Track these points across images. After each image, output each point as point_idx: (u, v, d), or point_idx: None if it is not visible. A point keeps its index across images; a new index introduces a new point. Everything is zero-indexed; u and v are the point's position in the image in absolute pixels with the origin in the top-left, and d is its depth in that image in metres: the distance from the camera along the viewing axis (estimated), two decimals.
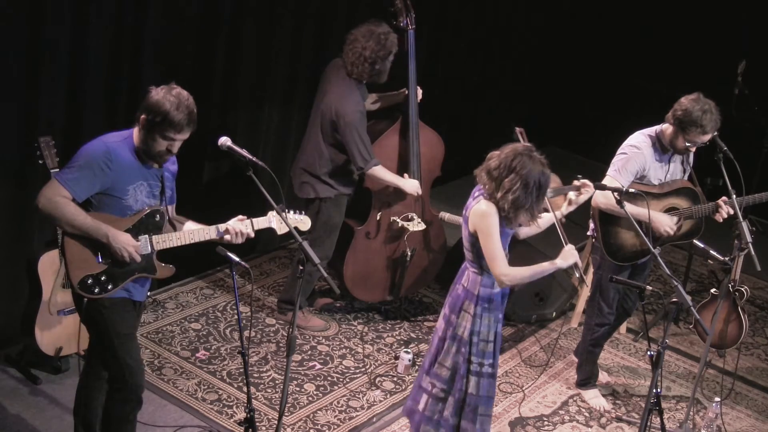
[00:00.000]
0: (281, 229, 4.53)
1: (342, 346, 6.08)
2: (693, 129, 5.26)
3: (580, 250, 6.73)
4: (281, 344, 5.98)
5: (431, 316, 6.52)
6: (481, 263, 4.53)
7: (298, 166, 5.96)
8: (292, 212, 4.63)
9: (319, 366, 5.84)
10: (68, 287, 5.12)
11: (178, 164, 4.44)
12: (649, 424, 4.64)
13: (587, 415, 5.79)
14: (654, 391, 4.51)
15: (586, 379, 5.93)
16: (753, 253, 5.46)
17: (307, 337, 6.09)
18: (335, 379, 5.75)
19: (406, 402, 4.96)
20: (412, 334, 6.31)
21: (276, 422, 5.16)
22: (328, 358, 5.93)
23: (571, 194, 4.87)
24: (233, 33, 6.19)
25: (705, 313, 6.15)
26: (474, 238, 4.49)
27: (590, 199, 5.15)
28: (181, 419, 5.20)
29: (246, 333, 5.79)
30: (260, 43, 6.37)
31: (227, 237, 4.39)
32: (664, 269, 4.69)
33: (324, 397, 5.58)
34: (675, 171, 5.52)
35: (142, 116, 4.12)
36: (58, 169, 4.91)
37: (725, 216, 5.49)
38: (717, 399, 5.72)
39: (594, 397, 5.89)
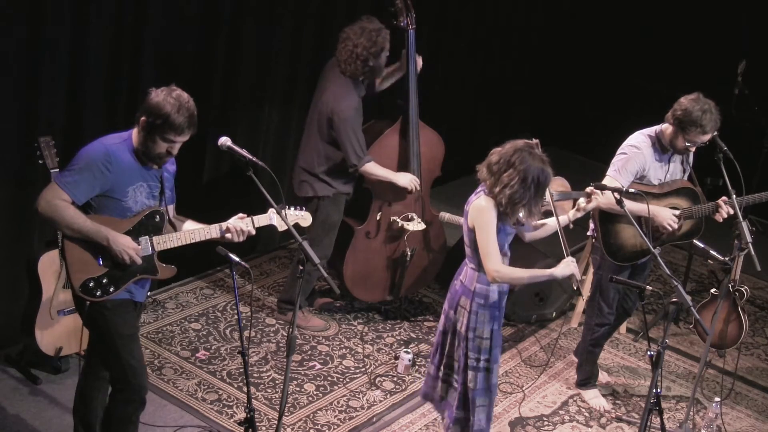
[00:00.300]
0: (282, 225, 4.51)
1: (342, 346, 6.08)
2: (693, 129, 5.26)
3: (579, 250, 6.75)
4: (281, 344, 5.98)
5: (431, 316, 6.52)
6: (478, 259, 4.54)
7: (297, 165, 5.97)
8: (292, 209, 4.62)
9: (319, 366, 5.84)
10: (68, 287, 5.14)
11: (177, 164, 4.44)
12: (649, 424, 4.64)
13: (587, 415, 5.79)
14: (654, 391, 4.51)
15: (586, 379, 5.93)
16: (753, 253, 5.45)
17: (307, 337, 6.09)
18: (335, 379, 5.75)
19: (424, 388, 4.96)
20: (412, 334, 6.31)
21: (276, 422, 5.16)
22: (328, 358, 5.93)
23: (581, 201, 4.87)
24: (233, 33, 6.19)
25: (705, 313, 6.15)
26: (473, 233, 4.50)
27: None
28: (181, 419, 5.20)
29: (246, 333, 5.79)
30: (260, 43, 6.37)
31: (228, 236, 4.39)
32: (664, 269, 4.69)
33: (324, 397, 5.58)
34: (675, 171, 5.52)
35: (142, 118, 4.11)
36: (57, 170, 4.91)
37: (725, 216, 5.49)
38: (717, 399, 5.72)
39: (594, 397, 5.89)
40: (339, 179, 5.88)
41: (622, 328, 6.53)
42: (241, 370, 5.56)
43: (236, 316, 6.12)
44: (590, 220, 5.61)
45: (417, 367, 5.92)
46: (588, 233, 5.72)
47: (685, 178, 5.59)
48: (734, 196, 5.42)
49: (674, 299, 4.57)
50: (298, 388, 5.60)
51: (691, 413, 5.73)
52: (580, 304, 6.63)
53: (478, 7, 8.24)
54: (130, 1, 5.52)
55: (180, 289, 6.34)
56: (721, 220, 5.52)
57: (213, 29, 6.07)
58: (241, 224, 4.39)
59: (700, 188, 5.60)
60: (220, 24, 6.10)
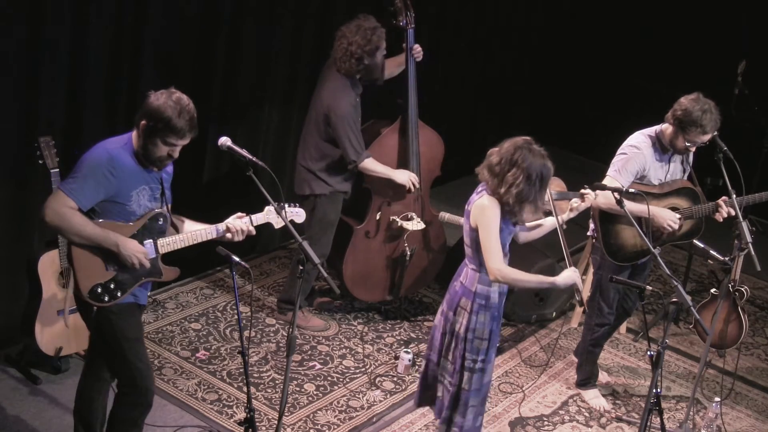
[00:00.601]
0: (278, 222, 4.51)
1: (342, 346, 6.08)
2: (693, 129, 5.26)
3: (579, 250, 6.75)
4: (281, 344, 5.98)
5: (431, 316, 6.52)
6: (480, 260, 4.54)
7: (297, 163, 5.98)
8: (287, 205, 4.61)
9: (319, 366, 5.84)
10: (68, 287, 5.14)
11: (176, 164, 4.44)
12: (649, 424, 4.64)
13: (587, 415, 5.79)
14: (654, 391, 4.51)
15: (586, 379, 5.93)
16: (753, 253, 5.45)
17: (307, 337, 6.09)
18: (335, 379, 5.75)
19: (417, 393, 4.95)
20: (412, 334, 6.31)
21: (276, 422, 5.16)
22: (328, 358, 5.93)
23: (574, 201, 4.88)
24: (233, 33, 6.19)
25: (705, 313, 6.15)
26: (475, 233, 4.50)
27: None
28: (181, 419, 5.20)
29: (246, 333, 5.79)
30: (260, 43, 6.37)
31: (229, 235, 4.39)
32: (664, 269, 4.69)
33: (324, 397, 5.58)
34: (675, 171, 5.52)
35: (143, 122, 4.10)
36: (57, 170, 4.91)
37: (725, 216, 5.49)
38: (717, 399, 5.72)
39: (594, 397, 5.89)
40: (336, 177, 5.88)
41: (622, 328, 6.53)
42: (241, 370, 5.56)
43: (236, 316, 6.12)
44: (590, 220, 5.61)
45: (417, 367, 5.92)
46: (588, 233, 5.72)
47: (686, 178, 5.59)
48: (734, 196, 5.42)
49: (674, 299, 4.57)
50: (298, 388, 5.60)
51: (691, 413, 5.73)
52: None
53: (478, 7, 8.24)
54: (130, 1, 5.52)
55: (180, 289, 6.34)
56: (721, 220, 5.52)
57: (213, 29, 6.07)
58: (240, 223, 4.39)
59: (700, 188, 5.60)
60: (220, 24, 6.10)
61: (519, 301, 6.48)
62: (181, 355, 5.70)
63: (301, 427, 5.30)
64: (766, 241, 7.63)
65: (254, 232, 4.45)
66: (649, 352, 4.48)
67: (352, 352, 6.03)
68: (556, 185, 5.69)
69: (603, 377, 6.08)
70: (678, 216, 5.41)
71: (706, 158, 5.56)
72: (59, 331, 5.22)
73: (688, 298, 4.58)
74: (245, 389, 4.80)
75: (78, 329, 5.27)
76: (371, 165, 5.84)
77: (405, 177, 5.99)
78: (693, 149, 5.42)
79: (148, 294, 4.52)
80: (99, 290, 4.17)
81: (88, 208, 4.09)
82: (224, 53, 6.20)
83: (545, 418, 5.70)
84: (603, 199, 5.28)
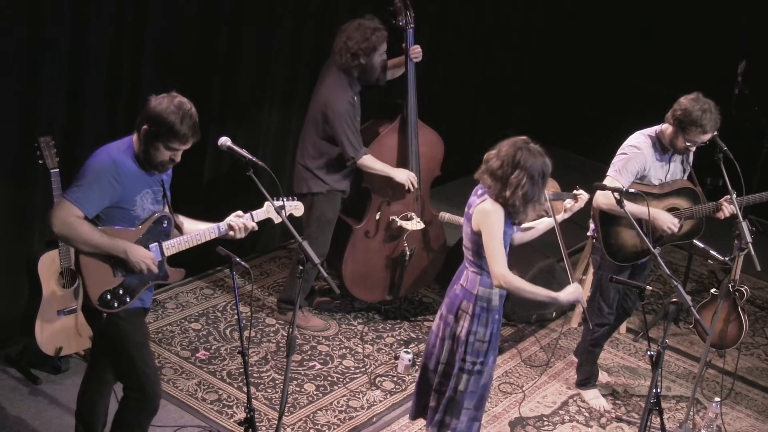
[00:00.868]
0: (278, 218, 4.50)
1: (342, 346, 6.08)
2: (693, 129, 5.26)
3: (579, 250, 6.75)
4: (281, 344, 5.98)
5: (431, 316, 6.52)
6: (481, 263, 4.53)
7: (295, 162, 5.98)
8: (285, 199, 4.59)
9: (319, 366, 5.84)
10: (68, 287, 5.15)
11: (177, 164, 4.43)
12: (649, 424, 4.64)
13: (587, 415, 5.79)
14: (654, 391, 4.51)
15: (586, 379, 5.93)
16: (753, 253, 5.45)
17: (307, 337, 6.09)
18: (335, 379, 5.75)
19: (411, 404, 4.94)
20: (412, 334, 6.31)
21: (276, 422, 5.16)
22: (328, 358, 5.93)
23: (567, 202, 4.88)
24: (233, 33, 6.19)
25: (705, 313, 6.14)
26: (477, 236, 4.49)
27: (591, 199, 5.17)
28: (181, 419, 5.20)
29: (246, 333, 5.79)
30: (260, 43, 6.37)
31: (231, 233, 4.38)
32: (664, 269, 4.69)
33: (324, 397, 5.58)
34: (675, 171, 5.52)
35: (144, 126, 4.08)
36: (57, 170, 4.92)
37: (727, 214, 5.48)
38: (717, 399, 5.72)
39: (594, 397, 5.89)
40: (333, 176, 5.88)
41: (622, 328, 6.53)
42: (241, 370, 5.56)
43: (236, 316, 6.12)
44: (590, 221, 5.61)
45: (417, 367, 5.91)
46: (588, 233, 5.72)
47: (686, 178, 5.59)
48: (734, 195, 5.42)
49: (674, 299, 4.57)
50: (298, 388, 5.60)
51: (691, 413, 5.73)
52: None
53: (478, 7, 8.24)
54: (130, 1, 5.52)
55: (180, 289, 6.34)
56: (723, 218, 5.51)
57: (213, 29, 6.08)
58: (242, 221, 4.39)
59: (700, 188, 5.60)
60: (220, 24, 6.10)
61: (519, 301, 6.45)
62: (181, 355, 5.70)
63: (301, 427, 5.30)
64: (766, 241, 7.64)
65: (256, 228, 4.45)
66: (649, 352, 4.48)
67: (352, 352, 6.03)
68: (550, 186, 5.70)
69: (603, 377, 6.08)
70: (677, 220, 5.41)
71: (706, 158, 5.56)
72: (59, 331, 5.22)
73: (688, 298, 4.58)
74: (245, 389, 4.80)
75: (78, 329, 5.27)
76: (370, 162, 5.84)
77: (404, 176, 5.99)
78: (693, 149, 5.42)
79: None
80: (108, 297, 4.17)
81: (94, 215, 4.07)
82: (224, 53, 6.20)
83: (545, 418, 5.70)
84: (603, 199, 5.28)
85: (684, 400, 6.02)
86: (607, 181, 5.34)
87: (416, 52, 6.01)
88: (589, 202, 5.11)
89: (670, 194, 5.49)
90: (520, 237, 4.78)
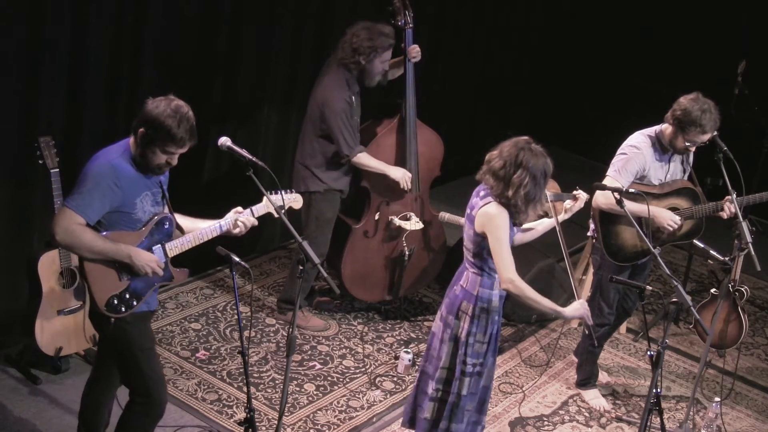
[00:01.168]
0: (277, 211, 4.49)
1: (342, 346, 6.08)
2: (692, 129, 5.26)
3: (579, 250, 6.75)
4: (281, 344, 5.98)
5: (431, 316, 6.52)
6: (482, 264, 4.53)
7: (295, 160, 5.99)
8: (283, 192, 4.57)
9: (319, 366, 5.84)
10: (68, 287, 5.15)
11: (177, 164, 4.43)
12: (649, 424, 4.64)
13: (587, 415, 5.79)
14: (654, 391, 4.51)
15: (586, 379, 5.93)
16: (753, 253, 5.45)
17: (307, 337, 6.09)
18: (335, 379, 5.75)
19: (406, 410, 4.94)
20: (412, 334, 6.31)
21: (276, 422, 5.16)
22: (328, 358, 5.93)
23: (567, 202, 4.88)
24: (233, 33, 6.19)
25: (705, 313, 6.14)
26: (479, 238, 4.48)
27: (590, 199, 5.17)
28: (181, 419, 5.20)
29: (246, 333, 5.79)
30: (260, 43, 6.37)
31: (236, 230, 4.39)
32: (664, 269, 4.69)
33: (324, 397, 5.58)
34: (675, 171, 5.52)
35: (141, 130, 4.06)
36: (57, 170, 4.92)
37: (729, 213, 5.48)
38: (717, 399, 5.72)
39: (594, 398, 5.89)
40: (330, 175, 5.88)
41: (622, 328, 6.53)
42: (241, 370, 5.56)
43: (236, 316, 6.12)
44: (590, 221, 5.61)
45: (417, 367, 5.91)
46: (588, 233, 5.72)
47: (686, 178, 5.59)
48: (734, 195, 5.43)
49: (674, 299, 4.57)
50: (298, 388, 5.60)
51: (691, 413, 5.73)
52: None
53: (477, 7, 8.24)
54: (130, 1, 5.52)
55: (180, 289, 6.34)
56: (726, 217, 5.51)
57: (213, 29, 6.08)
58: (243, 218, 4.39)
59: (700, 188, 5.60)
60: (220, 24, 6.10)
61: (519, 301, 6.46)
62: (181, 355, 5.70)
63: (301, 427, 5.30)
64: (766, 241, 7.63)
65: (257, 223, 4.45)
66: (649, 352, 4.48)
67: (352, 352, 6.03)
68: (550, 186, 5.71)
69: (603, 377, 6.08)
70: (678, 217, 5.41)
71: (706, 158, 5.56)
72: (59, 331, 5.22)
73: (688, 298, 4.58)
74: (245, 389, 4.80)
75: (78, 329, 5.27)
76: (365, 160, 5.84)
77: (399, 173, 5.99)
78: (693, 149, 5.42)
79: None
80: (115, 302, 4.17)
81: (96, 221, 4.06)
82: (224, 53, 6.20)
83: (545, 418, 5.70)
84: (603, 199, 5.28)
85: (684, 400, 6.02)
86: (606, 181, 5.34)
87: (415, 52, 6.01)
88: (589, 202, 5.12)
89: (670, 194, 5.49)
90: (520, 238, 4.78)
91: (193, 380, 5.51)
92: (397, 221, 6.17)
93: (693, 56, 8.73)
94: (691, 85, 5.48)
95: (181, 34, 5.87)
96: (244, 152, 4.30)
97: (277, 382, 5.60)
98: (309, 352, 5.95)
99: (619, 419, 5.79)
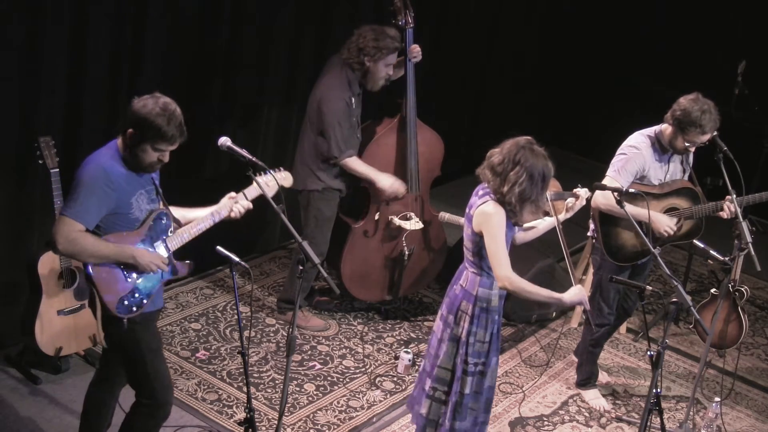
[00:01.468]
0: (269, 190, 4.45)
1: (342, 346, 6.08)
2: (692, 129, 5.26)
3: (579, 250, 6.75)
4: (281, 344, 5.98)
5: (431, 316, 6.52)
6: (481, 263, 4.53)
7: (295, 159, 5.99)
8: (271, 171, 4.51)
9: (319, 366, 5.84)
10: (68, 287, 5.15)
11: (176, 164, 4.44)
12: (649, 424, 4.64)
13: (587, 415, 5.79)
14: (654, 391, 4.51)
15: (586, 379, 5.93)
16: (753, 253, 5.45)
17: (307, 337, 6.10)
18: (335, 379, 5.75)
19: (408, 402, 4.96)
20: (412, 334, 6.31)
21: (276, 422, 5.16)
22: (328, 358, 5.93)
23: (569, 201, 4.88)
24: (233, 33, 6.19)
25: (705, 313, 6.15)
26: (478, 237, 4.49)
27: (590, 200, 5.17)
28: (181, 419, 5.20)
29: (246, 333, 5.80)
30: (260, 43, 6.37)
31: (232, 215, 4.40)
32: (664, 269, 4.69)
33: (324, 397, 5.58)
34: (675, 171, 5.52)
35: (130, 131, 4.05)
36: (57, 170, 4.92)
37: (729, 213, 5.48)
38: (717, 399, 5.72)
39: (594, 398, 5.89)
40: (329, 173, 5.88)
41: (622, 328, 6.53)
42: (241, 370, 5.56)
43: (236, 316, 6.13)
44: (590, 221, 5.61)
45: (417, 367, 5.91)
46: (588, 234, 5.72)
47: (685, 178, 5.59)
48: (734, 195, 5.43)
49: (674, 299, 4.57)
50: (298, 388, 5.60)
51: (691, 413, 5.73)
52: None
53: (478, 7, 8.24)
54: (130, 1, 5.52)
55: (180, 289, 6.34)
56: (726, 217, 5.51)
57: (213, 29, 6.08)
58: (239, 206, 4.41)
59: (700, 188, 5.60)
60: (220, 24, 6.10)
61: (519, 301, 6.45)
62: (181, 355, 5.70)
63: (301, 427, 5.30)
64: (766, 241, 7.63)
65: (251, 206, 4.45)
66: (649, 352, 4.48)
67: (352, 352, 6.03)
68: (551, 185, 5.72)
69: (603, 377, 6.08)
70: (674, 221, 5.41)
71: (706, 158, 5.56)
72: (59, 331, 5.22)
73: (688, 298, 4.58)
74: (245, 389, 4.80)
75: (78, 329, 5.27)
76: (353, 164, 5.82)
77: (388, 183, 5.94)
78: (692, 149, 5.42)
79: None
80: (126, 302, 4.17)
81: (94, 226, 4.06)
82: (224, 53, 6.20)
83: (545, 418, 5.70)
84: (603, 199, 5.28)
85: (684, 400, 6.02)
86: (606, 181, 5.34)
87: (415, 51, 6.01)
88: (589, 201, 5.12)
89: (670, 194, 5.49)
90: (522, 237, 4.78)
91: (193, 380, 5.51)
92: (397, 221, 6.17)
93: (693, 56, 8.72)
94: (691, 85, 5.48)
95: (181, 34, 5.87)
96: (244, 152, 4.31)
97: (277, 382, 5.60)
98: (309, 352, 5.95)
99: (619, 419, 5.79)
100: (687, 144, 5.32)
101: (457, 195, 6.89)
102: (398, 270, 6.30)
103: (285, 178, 4.67)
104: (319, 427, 5.33)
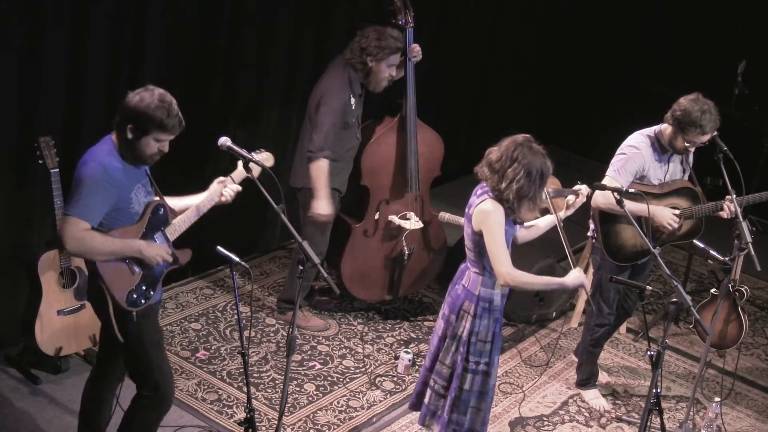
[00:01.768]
0: (253, 172, 4.45)
1: (342, 346, 6.08)
2: (692, 129, 5.26)
3: (579, 250, 6.75)
4: (281, 344, 5.98)
5: (431, 316, 6.52)
6: (482, 263, 4.53)
7: (294, 157, 6.00)
8: (254, 153, 4.49)
9: (319, 366, 5.84)
10: (68, 287, 5.15)
11: (176, 164, 4.46)
12: (649, 424, 4.64)
13: (587, 415, 5.79)
14: (654, 391, 4.51)
15: (586, 379, 5.93)
16: (753, 253, 5.45)
17: (307, 337, 6.09)
18: (335, 379, 5.75)
19: (412, 397, 4.98)
20: (412, 334, 6.31)
21: (276, 422, 5.16)
22: (328, 358, 5.93)
23: (569, 198, 4.89)
24: (233, 33, 6.19)
25: (705, 313, 6.15)
26: (477, 236, 4.49)
27: (590, 199, 5.16)
28: (181, 419, 5.20)
29: (246, 333, 5.80)
30: (260, 43, 6.37)
31: (222, 199, 4.43)
32: (664, 269, 4.69)
33: (324, 397, 5.58)
34: (674, 171, 5.52)
35: (130, 125, 4.07)
36: (57, 170, 4.92)
37: (729, 213, 5.48)
38: (717, 399, 5.72)
39: (594, 398, 5.89)
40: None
41: (622, 328, 6.53)
42: (241, 370, 5.56)
43: (236, 316, 6.12)
44: (590, 221, 5.61)
45: (417, 367, 5.92)
46: (588, 233, 5.72)
47: (685, 178, 5.59)
48: (734, 195, 5.43)
49: (674, 299, 4.57)
50: (298, 388, 5.60)
51: (691, 413, 5.73)
52: (580, 304, 6.63)
53: (478, 7, 8.24)
54: (130, 1, 5.52)
55: (180, 289, 6.34)
56: (726, 216, 5.51)
57: (213, 29, 6.08)
58: (229, 190, 4.44)
59: (700, 188, 5.60)
60: (220, 24, 6.10)
61: (519, 301, 6.48)
62: (181, 355, 5.70)
63: (301, 427, 5.30)
64: (766, 241, 7.63)
65: (240, 189, 4.47)
66: (649, 352, 4.48)
67: (352, 352, 6.03)
68: (551, 183, 5.72)
69: (603, 377, 6.08)
70: (678, 212, 5.41)
71: (706, 158, 5.56)
72: (59, 331, 5.22)
73: (688, 298, 4.58)
74: (245, 389, 4.80)
75: (78, 329, 5.27)
76: (318, 167, 5.71)
77: (321, 209, 5.76)
78: (692, 149, 5.42)
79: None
80: (135, 296, 4.19)
81: (98, 223, 4.08)
82: (224, 53, 6.20)
83: (545, 418, 5.70)
84: (603, 199, 5.28)
85: (684, 400, 6.02)
86: (606, 181, 5.34)
87: (416, 51, 6.01)
88: (589, 201, 5.12)
89: (670, 194, 5.49)
90: (523, 235, 4.78)
91: (193, 380, 5.51)
92: (396, 220, 6.17)
93: (693, 56, 8.72)
94: (691, 85, 5.48)
95: (181, 34, 5.87)
96: (244, 152, 4.31)
97: (277, 382, 5.60)
98: (309, 352, 5.95)
99: (619, 419, 5.79)
100: (687, 144, 5.32)
101: (457, 195, 6.89)
102: (398, 270, 6.30)
103: (267, 158, 4.65)
104: (319, 427, 5.33)
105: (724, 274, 6.01)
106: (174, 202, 4.43)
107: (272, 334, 6.07)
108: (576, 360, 6.04)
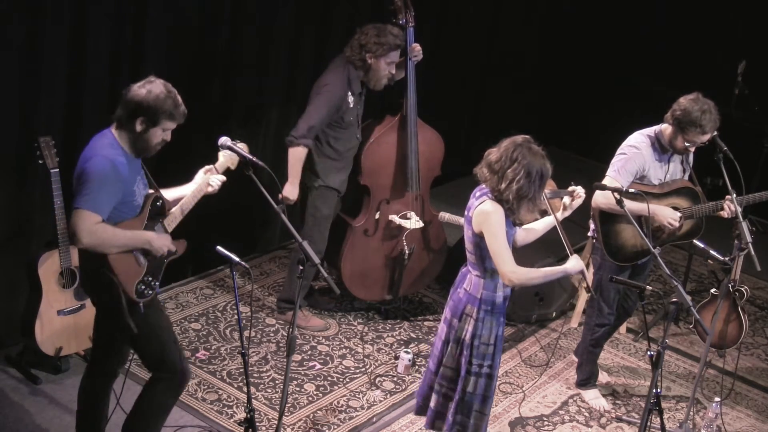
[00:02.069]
0: (234, 163, 4.57)
1: (342, 346, 6.08)
2: (692, 129, 5.26)
3: (579, 250, 6.74)
4: (281, 344, 5.98)
5: (431, 316, 6.52)
6: (484, 266, 4.53)
7: None
8: (237, 143, 4.51)
9: (319, 366, 5.84)
10: (68, 287, 5.15)
11: (176, 163, 4.47)
12: (649, 424, 4.64)
13: (587, 415, 5.79)
14: (654, 391, 4.51)
15: (586, 379, 5.93)
16: (753, 253, 5.45)
17: (307, 337, 6.09)
18: (335, 379, 5.75)
19: (417, 400, 4.96)
20: (412, 334, 6.31)
21: (276, 422, 5.16)
22: (328, 358, 5.93)
23: (566, 199, 4.89)
24: (233, 33, 6.19)
25: (705, 313, 6.15)
26: (478, 238, 4.48)
27: (590, 199, 5.16)
28: (181, 419, 5.20)
29: (246, 333, 5.80)
30: (260, 43, 6.37)
31: (209, 190, 4.53)
32: (664, 269, 4.69)
33: (324, 397, 5.58)
34: (675, 171, 5.52)
35: (142, 118, 4.11)
36: (57, 170, 4.91)
37: (729, 213, 5.47)
38: (717, 399, 5.72)
39: (594, 398, 5.89)
40: (325, 171, 5.88)
41: (622, 328, 6.53)
42: (241, 370, 5.56)
43: (236, 316, 6.12)
44: (590, 221, 5.61)
45: (417, 367, 5.92)
46: (588, 234, 5.72)
47: (685, 178, 5.59)
48: (734, 195, 5.43)
49: (674, 299, 4.57)
50: (298, 388, 5.60)
51: (691, 413, 5.73)
52: (580, 304, 6.63)
53: (479, 7, 8.24)
54: (130, 1, 5.52)
55: (180, 289, 6.34)
56: (727, 216, 5.51)
57: (213, 29, 6.08)
58: (216, 179, 4.54)
59: (700, 188, 5.60)
60: (220, 24, 6.10)
61: (519, 300, 6.48)
62: None
63: (301, 427, 5.30)
64: (766, 241, 7.63)
65: (225, 178, 4.58)
66: (649, 352, 4.48)
67: (352, 352, 6.03)
68: (547, 185, 5.72)
69: (603, 377, 6.08)
70: (679, 214, 5.41)
71: (706, 158, 5.56)
72: (59, 331, 5.22)
73: (688, 298, 4.58)
74: (245, 389, 4.80)
75: (78, 329, 5.27)
76: (293, 155, 5.74)
77: (290, 191, 5.78)
78: (692, 149, 5.42)
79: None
80: (142, 287, 4.25)
81: (107, 217, 4.11)
82: (224, 53, 6.20)
83: (545, 418, 5.70)
84: (603, 199, 5.28)
85: (684, 400, 6.03)
86: (606, 181, 5.34)
87: (416, 50, 6.00)
88: (589, 201, 5.11)
89: (670, 194, 5.50)
90: (522, 238, 4.78)
91: (193, 380, 5.50)
92: (397, 220, 6.17)
93: (693, 56, 8.72)
94: (691, 85, 5.48)
95: (181, 34, 5.87)
96: (243, 152, 4.32)
97: (277, 382, 5.61)
98: (309, 352, 5.95)
99: (619, 419, 5.79)
100: (687, 144, 5.32)
101: (457, 195, 6.89)
102: (398, 269, 6.30)
103: (243, 147, 4.66)
104: (319, 427, 5.33)
105: (724, 274, 6.01)
106: (165, 193, 4.48)
107: (272, 334, 6.07)
108: (576, 360, 6.04)
